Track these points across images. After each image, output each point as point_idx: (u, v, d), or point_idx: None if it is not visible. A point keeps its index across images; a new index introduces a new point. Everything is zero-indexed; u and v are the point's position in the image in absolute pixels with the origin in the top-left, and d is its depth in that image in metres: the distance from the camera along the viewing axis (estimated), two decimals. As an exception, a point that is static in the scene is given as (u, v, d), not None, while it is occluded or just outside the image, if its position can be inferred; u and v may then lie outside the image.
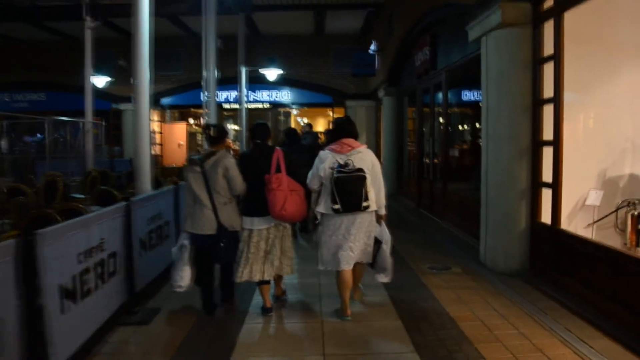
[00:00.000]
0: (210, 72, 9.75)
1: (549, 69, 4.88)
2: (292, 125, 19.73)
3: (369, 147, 4.26)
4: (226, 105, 17.27)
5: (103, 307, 3.70)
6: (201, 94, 10.26)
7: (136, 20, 5.11)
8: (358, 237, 4.02)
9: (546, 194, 4.98)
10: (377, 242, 4.14)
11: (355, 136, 4.15)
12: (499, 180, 5.40)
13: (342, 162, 3.93)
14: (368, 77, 14.80)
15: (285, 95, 17.39)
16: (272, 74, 14.54)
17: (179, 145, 17.38)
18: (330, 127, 10.92)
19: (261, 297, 4.28)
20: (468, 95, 10.53)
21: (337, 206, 3.86)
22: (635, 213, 4.69)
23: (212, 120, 9.65)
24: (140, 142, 5.23)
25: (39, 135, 13.46)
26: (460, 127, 11.54)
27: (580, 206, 5.03)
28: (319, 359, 3.42)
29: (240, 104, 13.37)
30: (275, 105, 17.68)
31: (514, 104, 5.20)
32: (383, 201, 4.13)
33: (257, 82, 15.45)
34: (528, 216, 5.19)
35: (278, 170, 4.05)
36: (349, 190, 3.84)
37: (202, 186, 4.04)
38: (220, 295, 4.42)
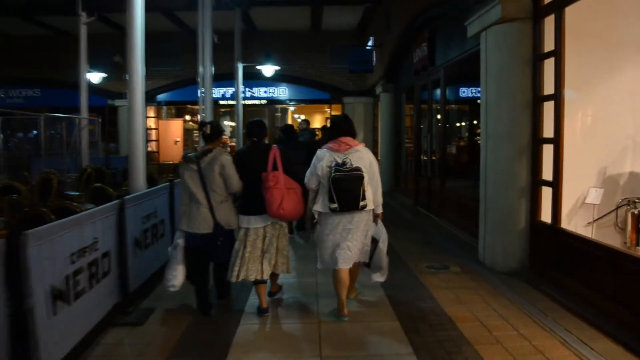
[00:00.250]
0: (207, 68, 9.68)
1: (549, 65, 4.82)
2: (289, 121, 19.68)
3: (367, 144, 4.21)
4: (222, 102, 17.18)
5: (96, 308, 3.64)
6: (197, 90, 10.18)
7: (130, 15, 5.03)
8: (356, 236, 3.98)
9: (546, 192, 4.92)
10: (374, 241, 4.11)
11: (353, 134, 4.09)
12: (498, 178, 5.34)
13: (340, 161, 3.88)
14: (365, 73, 14.72)
15: (282, 92, 17.28)
16: (268, 70, 14.50)
17: (176, 142, 17.35)
18: (327, 124, 10.83)
19: (257, 297, 4.22)
20: (466, 92, 10.49)
21: (334, 205, 3.82)
22: (636, 212, 4.65)
23: (208, 116, 9.58)
24: (134, 138, 5.15)
25: (34, 132, 13.34)
26: (458, 124, 11.51)
27: (580, 204, 4.99)
28: (316, 360, 3.36)
29: (236, 100, 13.28)
30: (272, 101, 17.57)
31: (514, 100, 5.13)
32: (380, 200, 4.09)
33: (254, 78, 15.40)
34: (528, 214, 5.14)
35: (275, 168, 4.00)
36: (346, 189, 3.80)
37: (198, 184, 3.99)
38: (215, 294, 4.37)
